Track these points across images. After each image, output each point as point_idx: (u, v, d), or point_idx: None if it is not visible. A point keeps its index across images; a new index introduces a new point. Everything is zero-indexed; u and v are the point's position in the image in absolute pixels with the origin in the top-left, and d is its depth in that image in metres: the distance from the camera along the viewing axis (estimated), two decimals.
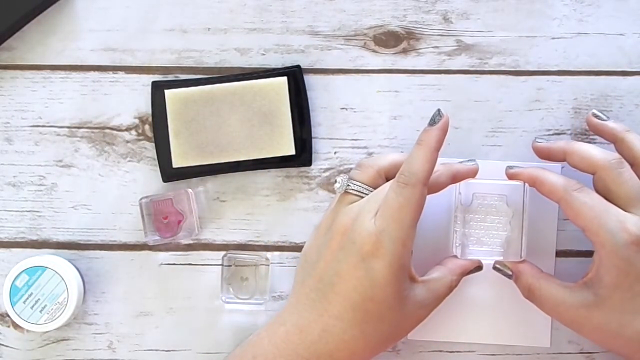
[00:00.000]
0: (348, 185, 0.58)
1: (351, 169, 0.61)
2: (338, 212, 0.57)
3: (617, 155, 0.57)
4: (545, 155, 0.60)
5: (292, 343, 0.55)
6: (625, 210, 0.55)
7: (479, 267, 0.60)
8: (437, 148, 0.56)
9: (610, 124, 0.59)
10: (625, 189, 0.55)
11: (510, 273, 0.60)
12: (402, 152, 0.63)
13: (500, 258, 0.60)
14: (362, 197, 0.58)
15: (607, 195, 0.56)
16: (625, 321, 0.54)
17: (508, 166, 0.60)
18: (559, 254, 0.63)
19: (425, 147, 0.56)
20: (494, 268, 0.60)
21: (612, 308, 0.55)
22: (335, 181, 0.59)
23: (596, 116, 0.60)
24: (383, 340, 0.56)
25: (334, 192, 0.63)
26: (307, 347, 0.55)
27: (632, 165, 0.57)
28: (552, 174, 0.57)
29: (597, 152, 0.57)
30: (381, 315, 0.55)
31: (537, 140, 0.61)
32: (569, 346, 0.63)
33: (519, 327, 0.62)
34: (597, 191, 0.56)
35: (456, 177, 0.59)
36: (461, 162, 0.60)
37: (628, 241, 0.53)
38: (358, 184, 0.58)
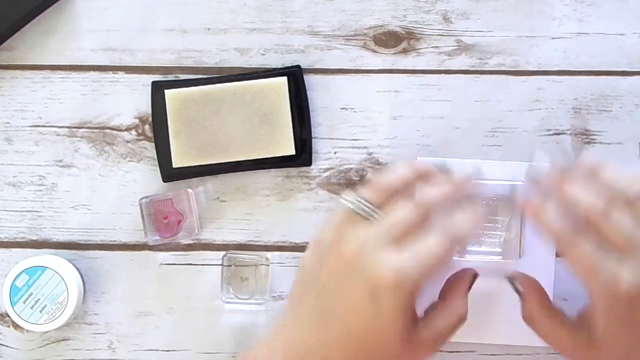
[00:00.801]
0: (358, 205, 0.54)
1: (356, 180, 0.60)
2: (344, 234, 0.53)
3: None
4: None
5: None
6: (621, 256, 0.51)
7: (475, 277, 0.58)
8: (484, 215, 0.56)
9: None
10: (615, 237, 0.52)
11: (520, 290, 0.58)
12: (398, 160, 0.63)
13: (499, 258, 0.60)
14: (369, 220, 0.54)
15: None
16: None
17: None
18: (558, 254, 0.63)
19: (475, 212, 0.54)
20: (507, 278, 0.59)
21: (608, 353, 0.53)
22: (342, 197, 0.54)
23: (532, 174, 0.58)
24: None
25: (334, 192, 0.63)
26: None
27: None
28: (552, 212, 0.54)
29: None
30: (382, 350, 0.52)
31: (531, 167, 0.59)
32: None
33: (520, 326, 0.62)
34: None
35: None
36: None
37: (622, 299, 0.50)
38: (368, 206, 0.54)
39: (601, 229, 0.52)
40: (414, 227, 0.53)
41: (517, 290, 0.58)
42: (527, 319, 0.58)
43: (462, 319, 0.55)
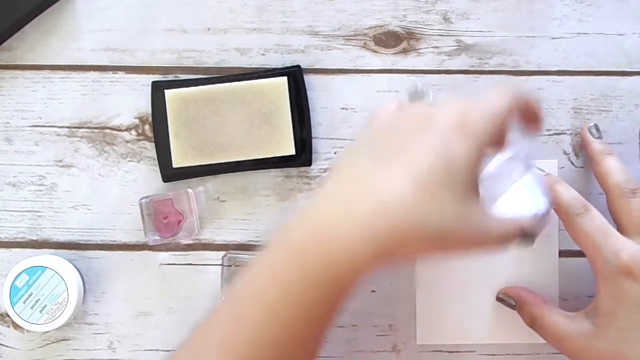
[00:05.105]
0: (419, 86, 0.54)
1: None
2: (412, 106, 0.51)
3: (632, 183, 0.57)
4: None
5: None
6: (627, 237, 0.54)
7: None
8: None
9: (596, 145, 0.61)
10: (630, 218, 0.55)
11: (513, 303, 0.60)
12: None
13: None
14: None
15: (614, 218, 0.56)
16: (624, 352, 0.53)
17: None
18: (560, 254, 0.63)
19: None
20: (497, 299, 0.61)
21: (610, 338, 0.54)
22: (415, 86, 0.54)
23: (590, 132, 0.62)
24: (438, 231, 0.45)
25: None
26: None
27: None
28: (564, 190, 0.57)
29: (613, 176, 0.57)
30: (449, 189, 0.45)
31: (588, 129, 0.62)
32: None
33: (520, 326, 0.62)
34: (610, 210, 0.57)
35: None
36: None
37: (621, 270, 0.53)
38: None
39: (617, 210, 0.56)
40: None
41: (510, 305, 0.61)
42: (529, 320, 0.58)
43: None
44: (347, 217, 0.45)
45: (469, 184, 0.46)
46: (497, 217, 0.48)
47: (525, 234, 0.49)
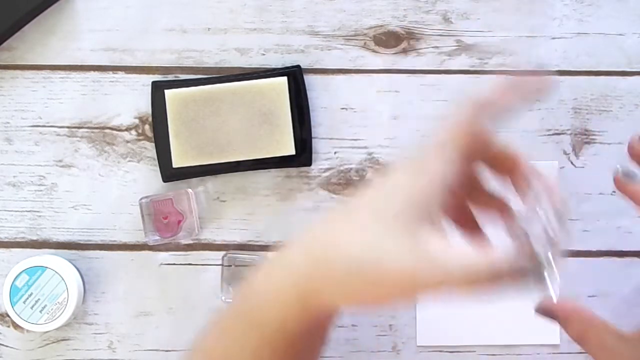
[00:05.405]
0: None
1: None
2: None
3: None
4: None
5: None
6: None
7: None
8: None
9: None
10: None
11: (556, 318, 0.53)
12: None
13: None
14: None
15: None
16: None
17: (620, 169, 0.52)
18: None
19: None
20: (537, 312, 0.53)
21: None
22: None
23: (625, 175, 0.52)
24: (363, 265, 0.41)
25: (334, 192, 0.63)
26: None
27: None
28: None
29: None
30: (384, 222, 0.42)
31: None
32: (570, 346, 0.63)
33: (527, 326, 0.62)
34: None
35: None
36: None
37: None
38: None
39: None
40: None
41: (553, 319, 0.53)
42: (577, 338, 0.52)
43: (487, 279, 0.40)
44: (278, 261, 0.45)
45: (414, 217, 0.42)
46: (470, 251, 0.41)
47: (522, 269, 0.42)
